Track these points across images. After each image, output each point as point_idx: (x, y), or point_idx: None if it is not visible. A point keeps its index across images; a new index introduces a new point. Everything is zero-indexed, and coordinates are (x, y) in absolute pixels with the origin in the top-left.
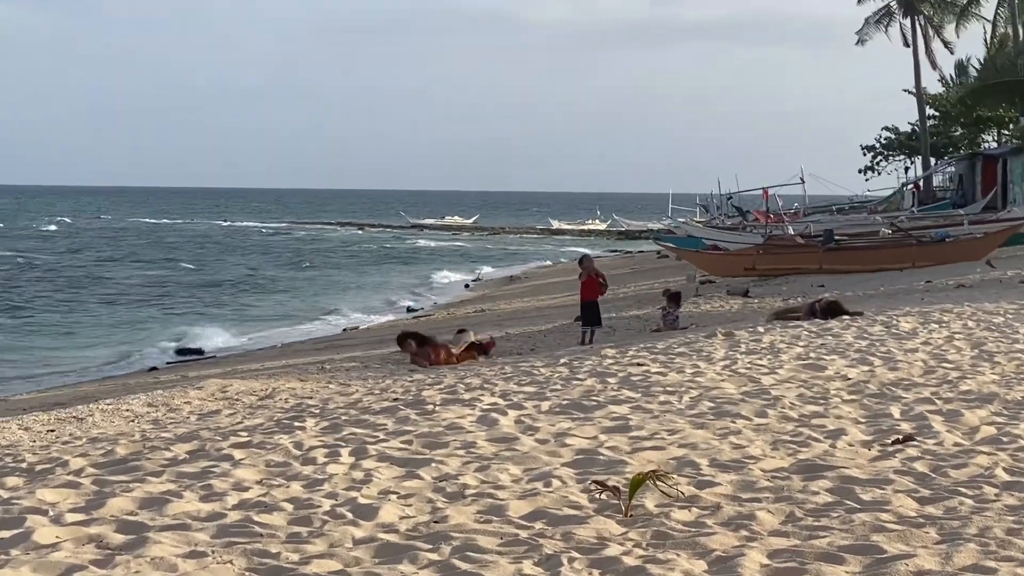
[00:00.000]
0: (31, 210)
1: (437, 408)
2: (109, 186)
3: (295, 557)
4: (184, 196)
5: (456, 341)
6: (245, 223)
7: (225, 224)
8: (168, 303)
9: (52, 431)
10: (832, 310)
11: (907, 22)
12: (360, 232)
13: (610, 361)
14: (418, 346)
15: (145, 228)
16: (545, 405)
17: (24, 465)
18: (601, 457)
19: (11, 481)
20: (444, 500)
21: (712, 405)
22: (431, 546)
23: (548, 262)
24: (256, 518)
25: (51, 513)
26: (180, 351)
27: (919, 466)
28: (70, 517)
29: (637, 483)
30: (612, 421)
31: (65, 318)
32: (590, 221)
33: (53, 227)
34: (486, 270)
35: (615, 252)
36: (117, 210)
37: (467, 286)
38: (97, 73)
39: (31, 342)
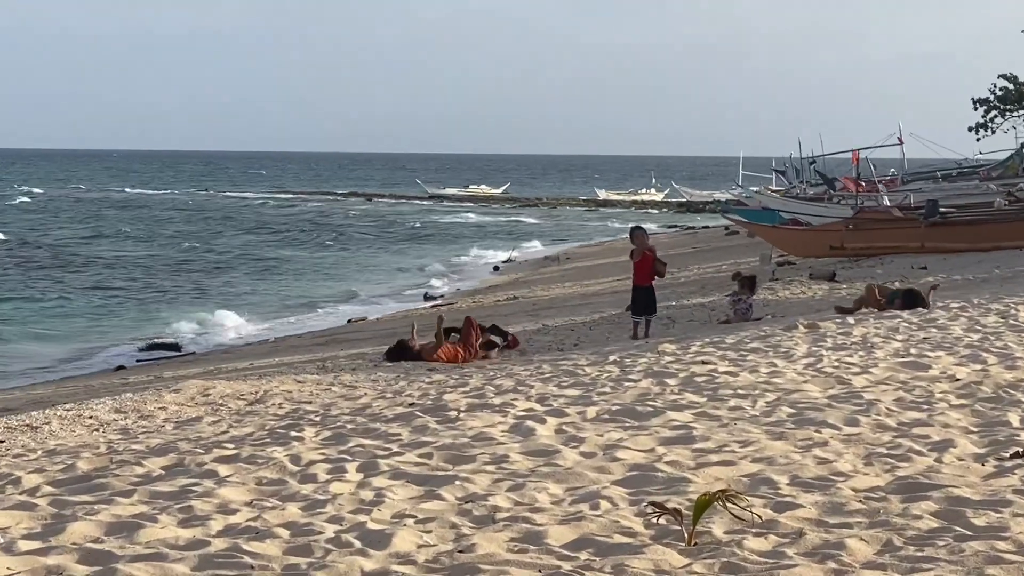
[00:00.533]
0: None
1: (462, 415)
2: (55, 149)
3: None
4: (151, 161)
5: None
6: (240, 193)
7: (204, 194)
8: (164, 287)
9: (1, 442)
10: (910, 300)
11: None
12: (368, 204)
13: (669, 358)
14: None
15: (128, 200)
16: (591, 411)
17: None
18: (659, 474)
19: None
20: (471, 525)
21: (792, 411)
22: None
23: (594, 240)
24: (245, 547)
25: (1, 540)
26: (152, 346)
27: None
28: (24, 545)
29: (703, 505)
30: (672, 430)
31: (22, 308)
32: (644, 191)
33: (24, 199)
34: (519, 250)
35: (675, 228)
36: (90, 179)
37: (496, 268)
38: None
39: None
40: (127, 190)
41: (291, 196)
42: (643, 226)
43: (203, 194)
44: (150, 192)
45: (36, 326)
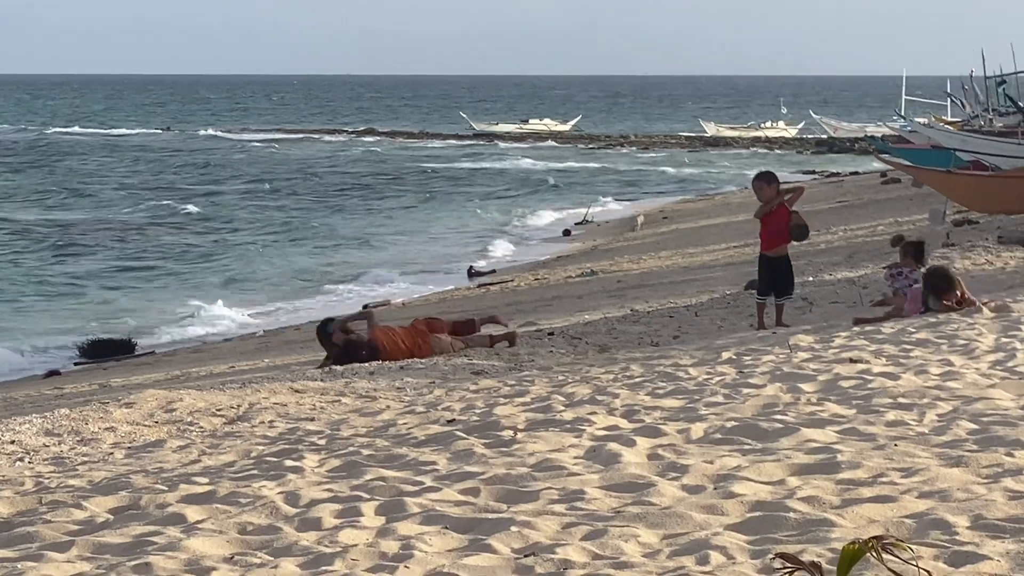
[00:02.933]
0: None
1: (520, 435)
2: None
3: None
4: (96, 88)
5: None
6: (230, 134)
7: (172, 133)
8: (120, 264)
9: None
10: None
11: None
12: (394, 144)
13: (805, 355)
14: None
15: (86, 143)
16: (698, 429)
17: None
18: (790, 515)
19: None
20: None
21: (975, 427)
22: None
23: (701, 193)
24: None
25: None
26: (96, 344)
27: None
28: None
29: (851, 556)
30: (809, 455)
31: None
32: (770, 124)
33: None
34: (598, 207)
35: (812, 175)
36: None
37: (567, 233)
38: None
39: None
40: (52, 130)
41: (296, 136)
42: (771, 171)
43: (171, 133)
44: (90, 132)
45: None
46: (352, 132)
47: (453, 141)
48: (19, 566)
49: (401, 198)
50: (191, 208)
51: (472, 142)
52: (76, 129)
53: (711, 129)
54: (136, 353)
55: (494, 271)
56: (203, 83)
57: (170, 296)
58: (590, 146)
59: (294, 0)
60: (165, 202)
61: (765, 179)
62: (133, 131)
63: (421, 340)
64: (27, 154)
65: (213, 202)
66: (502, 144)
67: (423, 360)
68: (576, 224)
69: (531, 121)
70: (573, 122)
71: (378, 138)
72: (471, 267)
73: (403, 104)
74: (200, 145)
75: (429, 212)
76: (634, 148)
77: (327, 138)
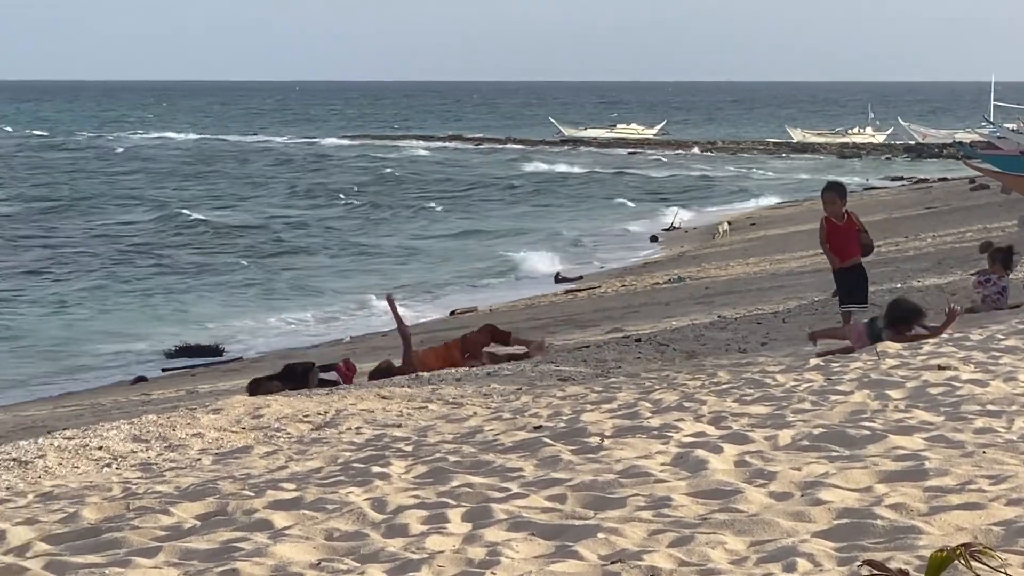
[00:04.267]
0: None
1: (606, 442)
2: None
3: None
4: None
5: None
6: (301, 139)
7: (252, 139)
8: (208, 271)
9: None
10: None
11: None
12: (479, 151)
13: (893, 362)
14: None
15: (119, 148)
16: (785, 435)
17: None
18: (878, 521)
19: None
20: None
21: None
22: None
23: (788, 198)
24: None
25: None
26: (183, 350)
27: None
28: None
29: (939, 564)
30: (896, 462)
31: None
32: (857, 130)
33: None
34: (687, 213)
35: (900, 182)
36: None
37: (655, 239)
38: None
39: None
40: (130, 134)
41: (375, 141)
42: (841, 182)
43: (251, 140)
44: (153, 137)
45: (23, 323)
46: (442, 138)
47: (546, 147)
48: (107, 572)
49: (489, 204)
50: (202, 216)
51: (562, 148)
52: (232, 136)
53: (797, 135)
54: (223, 359)
55: (581, 277)
56: (255, 89)
57: (261, 300)
58: (678, 152)
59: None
60: (267, 208)
61: (834, 189)
62: (255, 137)
63: (456, 355)
64: (210, 161)
65: (304, 212)
66: (591, 149)
67: (509, 367)
68: (663, 230)
69: (619, 126)
70: (659, 127)
71: (466, 144)
72: (558, 273)
73: (477, 109)
74: (299, 151)
75: (516, 218)
76: (721, 153)
77: (411, 144)
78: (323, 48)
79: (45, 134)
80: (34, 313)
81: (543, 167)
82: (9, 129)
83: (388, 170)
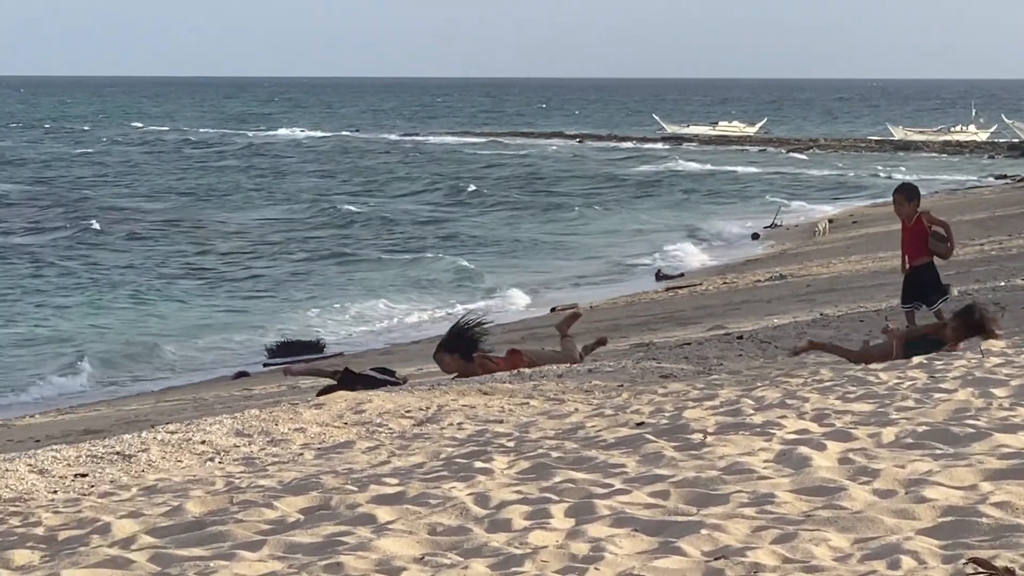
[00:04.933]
0: None
1: (709, 439)
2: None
3: None
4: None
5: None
6: (418, 136)
7: (355, 133)
8: (317, 268)
9: (83, 476)
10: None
11: None
12: (580, 147)
13: (997, 360)
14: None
15: (206, 140)
16: (889, 433)
17: (40, 531)
18: (983, 520)
19: (20, 557)
20: None
21: None
22: None
23: (890, 197)
24: None
25: None
26: (284, 345)
27: None
28: None
29: None
30: (1002, 460)
31: (99, 296)
32: (960, 128)
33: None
34: (789, 211)
35: (1004, 179)
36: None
37: (756, 236)
38: None
39: (51, 325)
40: (252, 133)
41: (481, 139)
42: (909, 183)
43: (363, 135)
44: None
45: (122, 317)
46: (540, 135)
47: (648, 145)
48: (212, 564)
49: (590, 201)
50: (357, 208)
51: (662, 145)
52: (283, 132)
53: (899, 133)
54: (324, 354)
55: (682, 274)
56: (333, 85)
57: (361, 296)
58: (778, 150)
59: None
60: (359, 201)
61: (905, 189)
62: (322, 133)
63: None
64: (251, 157)
65: (385, 203)
66: (692, 146)
67: (611, 363)
68: (765, 228)
69: (721, 123)
70: (760, 124)
71: (567, 141)
72: (659, 270)
73: (572, 106)
74: (392, 147)
75: (618, 214)
76: (823, 151)
77: (512, 140)
78: (390, 44)
79: (186, 130)
80: (167, 308)
81: (646, 167)
82: (138, 125)
83: (519, 165)
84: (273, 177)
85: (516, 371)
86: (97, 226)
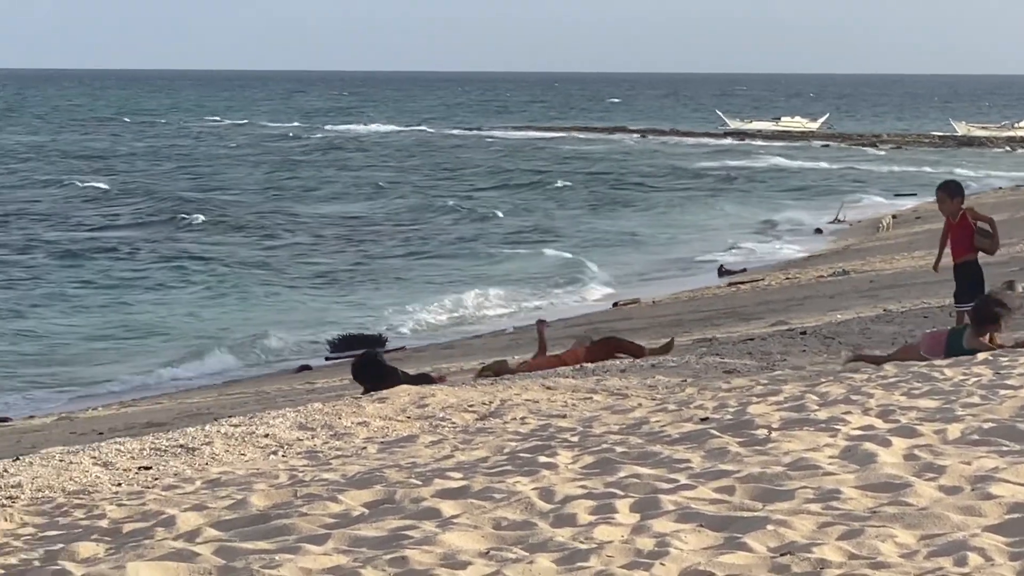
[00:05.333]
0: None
1: (774, 434)
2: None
3: None
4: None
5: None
6: (482, 131)
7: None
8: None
9: (147, 469)
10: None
11: None
12: (642, 142)
13: None
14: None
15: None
16: (954, 430)
17: (105, 523)
18: None
19: (86, 549)
20: None
21: None
22: None
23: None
24: None
25: None
26: (346, 339)
27: None
28: None
29: None
30: None
31: (167, 293)
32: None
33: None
34: (852, 206)
35: None
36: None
37: (819, 231)
38: None
39: (118, 319)
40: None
41: (554, 133)
42: (953, 180)
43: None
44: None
45: (182, 309)
46: (603, 129)
47: (708, 140)
48: (276, 558)
49: (655, 196)
50: (450, 202)
51: (726, 141)
52: (359, 127)
53: (962, 128)
54: (387, 348)
55: (744, 270)
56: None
57: (426, 291)
58: (841, 144)
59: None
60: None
61: (948, 187)
62: (392, 127)
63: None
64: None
65: (470, 197)
66: (753, 142)
67: (675, 358)
68: (828, 223)
69: (783, 119)
70: (822, 120)
71: (631, 136)
72: (721, 265)
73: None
74: (471, 141)
75: (682, 209)
76: (886, 147)
77: (580, 135)
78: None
79: (265, 125)
80: (273, 299)
81: (708, 162)
82: (216, 118)
83: (595, 159)
84: (361, 170)
85: (579, 366)
86: (201, 219)
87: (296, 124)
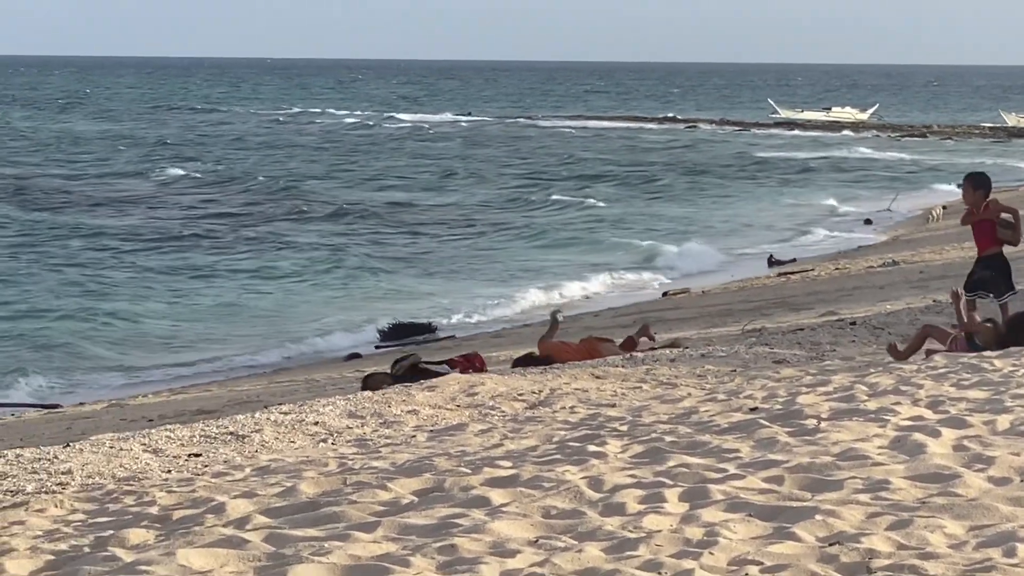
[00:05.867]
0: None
1: (823, 424)
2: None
3: None
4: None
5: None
6: (540, 121)
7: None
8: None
9: (197, 456)
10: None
11: None
12: (693, 131)
13: None
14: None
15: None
16: (1004, 421)
17: (155, 510)
18: None
19: (136, 535)
20: None
21: None
22: None
23: (1005, 183)
24: None
25: None
26: (396, 328)
27: None
28: None
29: None
30: None
31: (217, 282)
32: None
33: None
34: (903, 197)
35: None
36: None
37: (868, 222)
38: None
39: (169, 309)
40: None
41: (616, 124)
42: (979, 172)
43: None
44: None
45: (233, 296)
46: (653, 120)
47: (756, 130)
48: (326, 545)
49: (692, 186)
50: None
51: (773, 131)
52: (431, 116)
53: (1011, 120)
54: (437, 336)
55: (794, 260)
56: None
57: (479, 280)
58: (893, 135)
59: None
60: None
61: (975, 177)
62: (437, 116)
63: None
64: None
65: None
66: (801, 132)
67: (724, 348)
68: (878, 212)
69: (834, 109)
70: (872, 110)
71: (678, 124)
72: (771, 255)
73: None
74: (525, 132)
75: (734, 199)
76: (938, 138)
77: (649, 126)
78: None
79: (334, 112)
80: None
81: (760, 152)
82: (293, 108)
83: (657, 149)
84: (445, 159)
85: (629, 356)
86: (304, 208)
87: (368, 113)
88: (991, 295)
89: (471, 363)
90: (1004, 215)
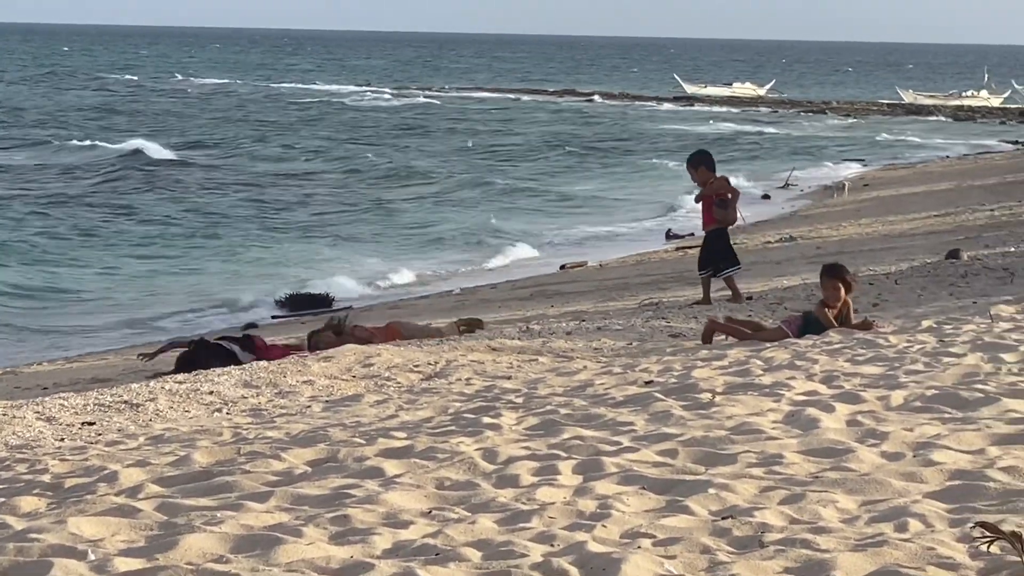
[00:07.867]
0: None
1: (717, 399)
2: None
3: None
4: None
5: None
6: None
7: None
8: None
9: (90, 424)
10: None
11: None
12: (588, 105)
13: (1007, 325)
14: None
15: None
16: (897, 396)
17: (47, 478)
18: (990, 484)
19: (27, 503)
20: (729, 550)
21: None
22: None
23: (902, 160)
24: (421, 572)
25: (91, 557)
26: (293, 298)
27: None
28: (122, 564)
29: None
30: (1010, 424)
31: (115, 239)
32: (971, 93)
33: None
34: (800, 172)
35: (1016, 144)
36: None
37: (766, 197)
38: None
39: (65, 279)
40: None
41: (499, 95)
42: (702, 150)
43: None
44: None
45: (128, 265)
46: (552, 92)
47: (653, 105)
48: (219, 515)
49: (603, 159)
50: (379, 161)
51: (671, 105)
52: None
53: (908, 97)
54: (333, 308)
55: (692, 234)
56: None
57: (367, 251)
58: (790, 111)
59: None
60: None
61: (691, 162)
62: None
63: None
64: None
65: (413, 156)
66: (701, 107)
67: (620, 322)
68: (776, 188)
69: (735, 85)
70: (769, 86)
71: (579, 99)
72: (669, 230)
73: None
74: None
75: (626, 173)
76: (836, 114)
77: (525, 98)
78: None
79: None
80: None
81: (659, 125)
82: (317, 86)
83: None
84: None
85: (525, 327)
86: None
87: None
88: (710, 270)
89: (269, 351)
90: (720, 195)
